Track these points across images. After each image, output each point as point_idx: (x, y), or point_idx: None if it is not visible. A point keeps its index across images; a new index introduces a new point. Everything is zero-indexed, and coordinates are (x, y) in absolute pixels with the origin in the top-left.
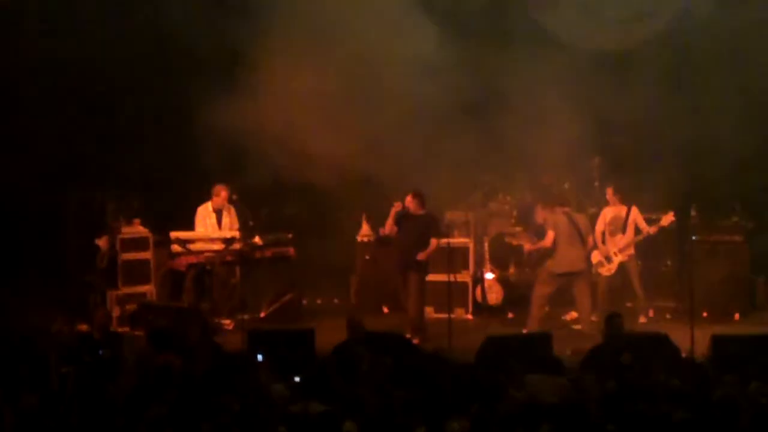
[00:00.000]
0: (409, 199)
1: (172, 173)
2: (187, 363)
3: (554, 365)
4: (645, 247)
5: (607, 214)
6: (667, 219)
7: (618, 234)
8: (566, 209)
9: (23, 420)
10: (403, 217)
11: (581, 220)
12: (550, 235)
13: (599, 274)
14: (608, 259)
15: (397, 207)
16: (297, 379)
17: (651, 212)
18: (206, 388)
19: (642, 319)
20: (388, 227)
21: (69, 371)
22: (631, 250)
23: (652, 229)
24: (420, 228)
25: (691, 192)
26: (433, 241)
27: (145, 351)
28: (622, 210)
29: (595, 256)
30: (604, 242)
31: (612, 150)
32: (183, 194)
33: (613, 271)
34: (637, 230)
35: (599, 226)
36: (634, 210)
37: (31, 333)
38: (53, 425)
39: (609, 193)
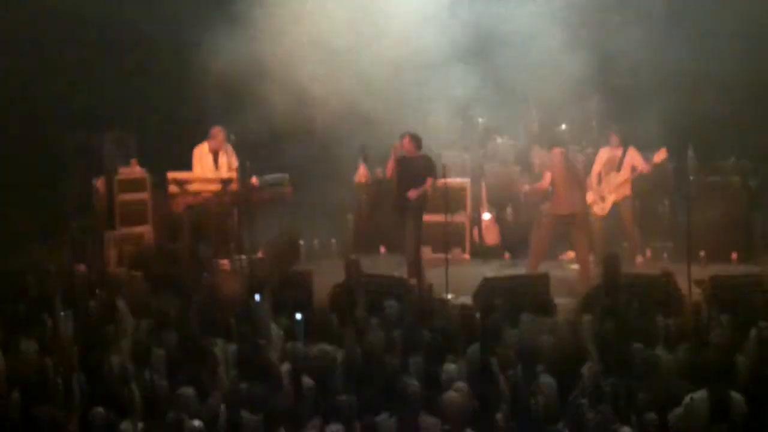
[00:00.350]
0: (405, 141)
1: (171, 114)
2: (184, 305)
3: (551, 307)
4: (643, 188)
5: (603, 154)
6: (660, 156)
7: (612, 173)
8: (563, 150)
9: (22, 365)
10: (400, 159)
11: (579, 161)
12: (547, 176)
13: (594, 214)
14: (602, 198)
15: (398, 147)
16: (298, 316)
17: (647, 152)
18: (204, 330)
19: (639, 260)
20: (390, 170)
21: (67, 314)
22: (627, 191)
23: (647, 167)
24: (416, 170)
25: (690, 132)
26: (428, 180)
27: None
28: (618, 151)
29: (590, 196)
30: (600, 183)
31: (611, 90)
32: (181, 135)
33: (606, 211)
34: (633, 170)
35: (596, 167)
36: (632, 150)
37: (30, 276)
38: (53, 368)
39: (612, 136)
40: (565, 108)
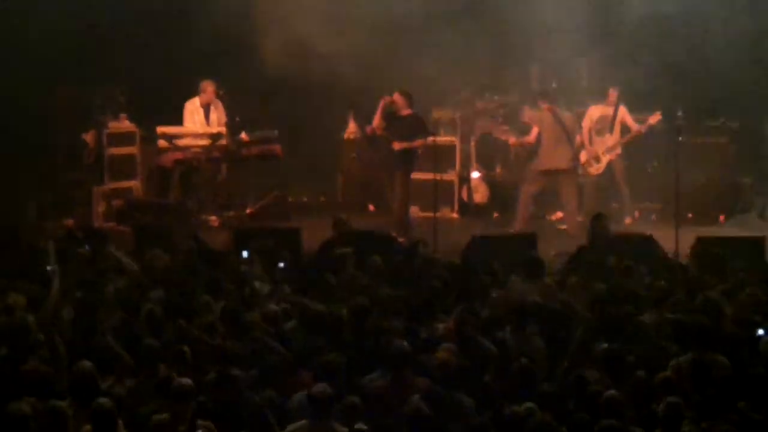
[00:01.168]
0: (396, 96)
1: (161, 67)
2: (172, 260)
3: (539, 266)
4: (632, 148)
5: (594, 113)
6: (655, 117)
7: (606, 134)
8: (551, 106)
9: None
10: (389, 117)
11: (567, 118)
12: (535, 130)
13: (587, 174)
14: (596, 159)
15: (386, 100)
16: (281, 264)
17: (637, 113)
18: (191, 284)
19: (628, 221)
20: (376, 121)
21: (53, 269)
22: (619, 150)
23: (642, 128)
24: (406, 128)
25: (679, 93)
26: (417, 141)
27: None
28: (609, 109)
29: (583, 156)
30: (591, 142)
31: (602, 50)
32: (171, 89)
33: (601, 171)
34: (625, 129)
35: (586, 124)
36: (622, 109)
37: (21, 230)
38: (41, 325)
39: (611, 92)
40: (562, 65)
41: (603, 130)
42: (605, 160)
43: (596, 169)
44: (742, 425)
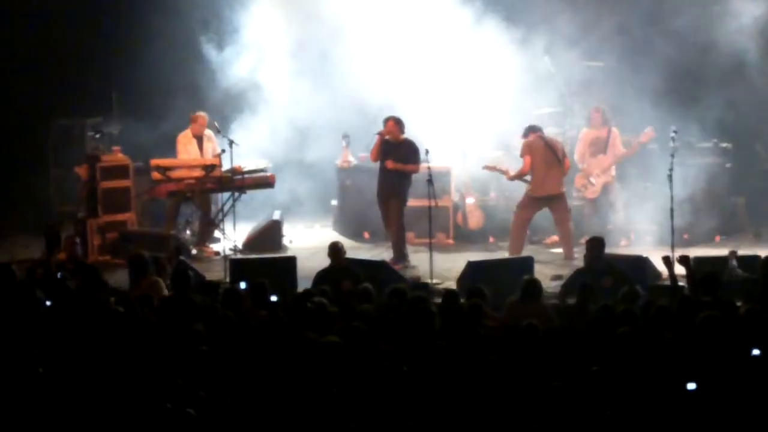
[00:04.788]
0: (389, 124)
1: (154, 101)
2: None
3: (535, 290)
4: (624, 170)
5: (588, 135)
6: (647, 135)
7: (600, 155)
8: (539, 134)
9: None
10: (383, 143)
11: (557, 144)
12: (527, 161)
13: (584, 198)
14: (591, 181)
15: (382, 134)
16: (274, 298)
17: (630, 134)
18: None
19: (624, 242)
20: (374, 156)
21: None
22: (613, 172)
23: (630, 151)
24: (400, 154)
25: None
26: (410, 166)
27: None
28: (603, 131)
29: (579, 180)
30: (584, 164)
31: (591, 73)
32: (163, 122)
33: (598, 194)
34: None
35: (580, 148)
36: (614, 132)
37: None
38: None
39: (594, 114)
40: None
41: (597, 151)
42: (600, 182)
43: (592, 192)
44: None
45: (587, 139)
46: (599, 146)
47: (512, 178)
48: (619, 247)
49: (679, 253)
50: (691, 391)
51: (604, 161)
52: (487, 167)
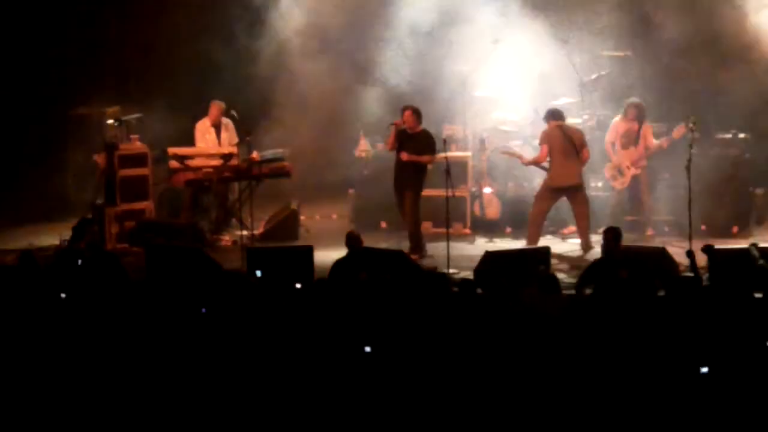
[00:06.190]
0: (407, 114)
1: (171, 90)
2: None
3: (552, 281)
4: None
5: (620, 126)
6: (679, 131)
7: (630, 147)
8: (559, 123)
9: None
10: (400, 134)
11: (575, 133)
12: (544, 149)
13: (612, 188)
14: (621, 172)
15: (398, 125)
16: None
17: (659, 126)
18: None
19: (650, 232)
20: (390, 145)
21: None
22: (644, 162)
23: (664, 143)
24: (416, 145)
25: (690, 105)
26: (426, 157)
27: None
28: (635, 124)
29: (608, 170)
30: (615, 154)
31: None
32: (182, 111)
33: (626, 185)
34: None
35: (610, 137)
36: (647, 125)
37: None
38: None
39: (630, 109)
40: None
41: (628, 143)
42: (630, 173)
43: (621, 183)
44: None
45: (620, 129)
46: (630, 138)
47: (527, 163)
48: (646, 236)
49: (697, 244)
50: (704, 374)
51: (635, 153)
52: (503, 152)
